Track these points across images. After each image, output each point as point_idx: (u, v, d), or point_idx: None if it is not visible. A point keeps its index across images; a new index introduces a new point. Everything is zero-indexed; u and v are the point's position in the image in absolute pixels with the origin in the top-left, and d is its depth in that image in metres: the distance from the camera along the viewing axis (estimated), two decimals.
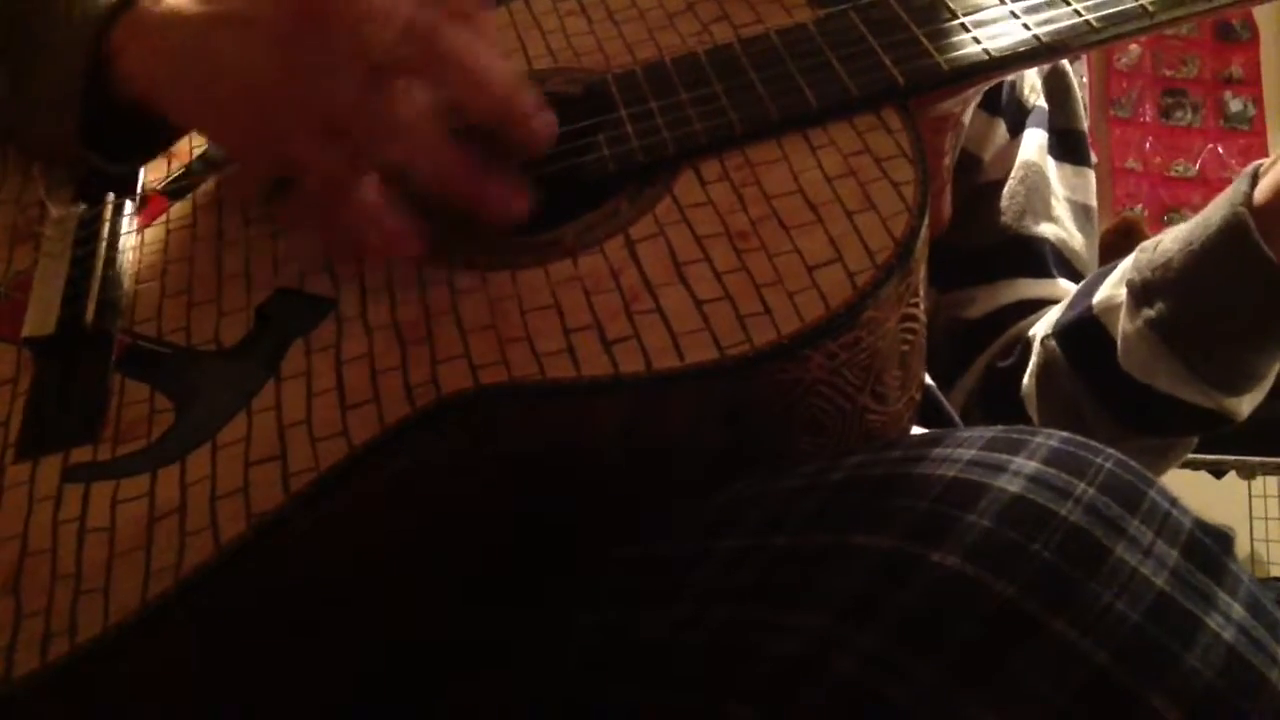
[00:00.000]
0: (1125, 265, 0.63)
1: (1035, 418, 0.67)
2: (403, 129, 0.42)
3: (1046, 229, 0.72)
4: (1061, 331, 0.65)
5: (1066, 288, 0.70)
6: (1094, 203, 0.77)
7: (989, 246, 0.72)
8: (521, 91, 0.44)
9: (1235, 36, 2.78)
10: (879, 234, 0.41)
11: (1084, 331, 0.64)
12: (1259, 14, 2.74)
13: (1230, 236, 0.56)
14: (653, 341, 0.40)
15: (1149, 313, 0.59)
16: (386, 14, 0.42)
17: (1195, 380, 0.59)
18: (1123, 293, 0.61)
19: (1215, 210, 0.57)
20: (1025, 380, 0.67)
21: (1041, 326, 0.67)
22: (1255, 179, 0.56)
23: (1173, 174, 2.69)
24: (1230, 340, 0.58)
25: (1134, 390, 0.61)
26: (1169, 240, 0.60)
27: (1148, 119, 2.72)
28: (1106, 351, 0.62)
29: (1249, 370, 0.59)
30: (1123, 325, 0.61)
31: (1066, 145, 0.76)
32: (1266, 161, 0.56)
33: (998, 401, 0.69)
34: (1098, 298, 0.63)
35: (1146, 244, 0.61)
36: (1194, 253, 0.57)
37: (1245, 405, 0.61)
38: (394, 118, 0.42)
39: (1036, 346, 0.67)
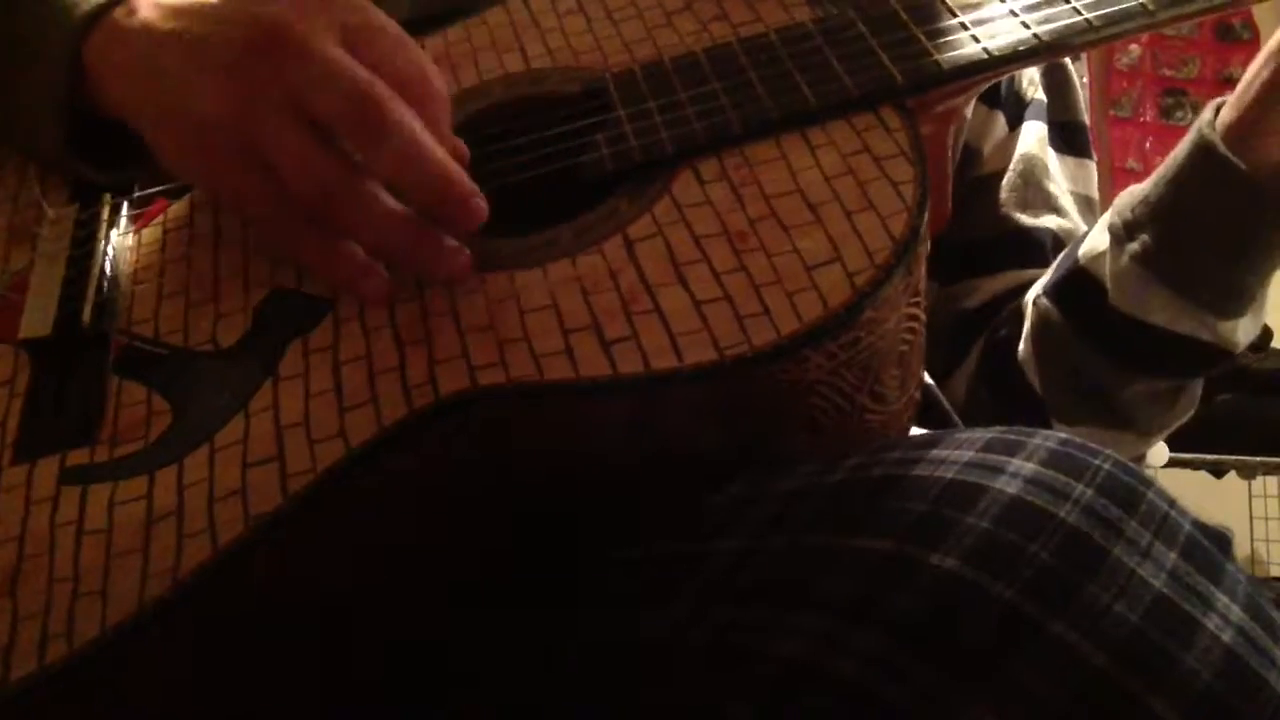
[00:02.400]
0: (1105, 216, 0.64)
1: (1035, 381, 0.67)
2: (332, 184, 0.42)
3: (1049, 220, 0.72)
4: (1052, 288, 0.66)
5: None
6: (1096, 195, 0.77)
7: (988, 239, 0.72)
8: (456, 178, 0.43)
9: (1235, 36, 2.78)
10: (878, 234, 0.41)
11: (1073, 283, 0.65)
12: (1259, 14, 2.73)
13: (1199, 156, 0.58)
14: (651, 342, 0.39)
15: (1133, 247, 0.61)
16: (335, 71, 0.41)
17: (1187, 305, 0.60)
18: (1106, 239, 0.63)
19: (1183, 142, 0.60)
20: (1021, 346, 0.68)
21: (1032, 291, 0.68)
22: (1217, 111, 0.58)
23: None
24: (1213, 257, 0.59)
25: (1129, 328, 0.62)
26: (1144, 184, 0.62)
27: (1148, 119, 2.72)
28: (1098, 296, 0.63)
29: (1237, 287, 0.60)
30: (1109, 266, 0.62)
31: (1067, 137, 0.76)
32: (1229, 95, 0.58)
33: (998, 373, 0.69)
34: (1082, 249, 0.65)
35: (1123, 192, 0.63)
36: (1168, 181, 0.59)
37: (1240, 332, 0.61)
38: (314, 162, 0.41)
39: (1029, 310, 0.67)
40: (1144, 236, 0.60)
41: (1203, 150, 0.58)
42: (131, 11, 0.47)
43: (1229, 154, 0.56)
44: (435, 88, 0.44)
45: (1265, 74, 0.55)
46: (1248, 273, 0.59)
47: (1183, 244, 0.59)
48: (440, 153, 0.42)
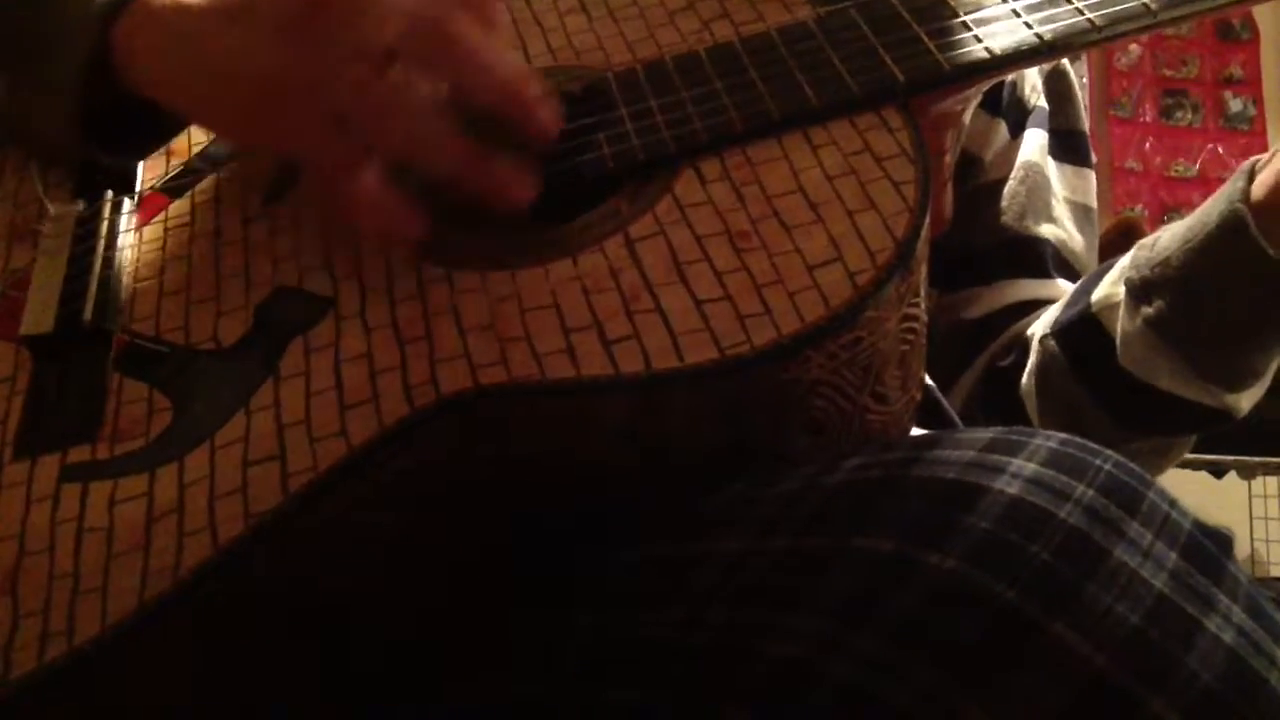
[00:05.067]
0: (1123, 263, 0.63)
1: (1034, 417, 0.67)
2: (406, 115, 0.42)
3: (1046, 229, 0.72)
4: (1060, 331, 0.65)
5: (1065, 288, 0.70)
6: (1094, 203, 0.77)
7: (989, 247, 0.72)
8: (527, 80, 0.44)
9: (1235, 36, 2.78)
10: (880, 234, 0.41)
11: (1083, 330, 0.64)
12: (1259, 14, 2.73)
13: (1228, 233, 0.55)
14: (653, 341, 0.39)
15: (1148, 310, 0.59)
16: (392, 5, 0.42)
17: (1195, 377, 0.59)
18: (1121, 291, 0.61)
19: (1213, 206, 0.57)
20: (1024, 380, 0.67)
21: (1040, 326, 0.67)
22: (1252, 174, 0.56)
23: (1173, 174, 2.69)
24: (1230, 336, 0.58)
25: (1133, 389, 0.61)
26: (1167, 237, 0.60)
27: (1148, 119, 2.72)
28: (1105, 350, 0.62)
29: (1249, 366, 0.59)
30: (1122, 323, 0.61)
31: (1067, 146, 0.76)
32: (1263, 157, 0.56)
33: (997, 401, 0.69)
34: (1096, 296, 0.63)
35: (1144, 241, 0.61)
36: (1192, 249, 0.57)
37: (1245, 401, 0.61)
38: (397, 105, 0.42)
39: (1035, 346, 0.67)
40: (1160, 302, 0.58)
41: (1233, 228, 0.55)
42: None
43: (1259, 237, 0.54)
44: (493, 6, 0.45)
45: None
46: (1262, 353, 0.58)
47: (1199, 319, 0.58)
48: (509, 56, 0.44)
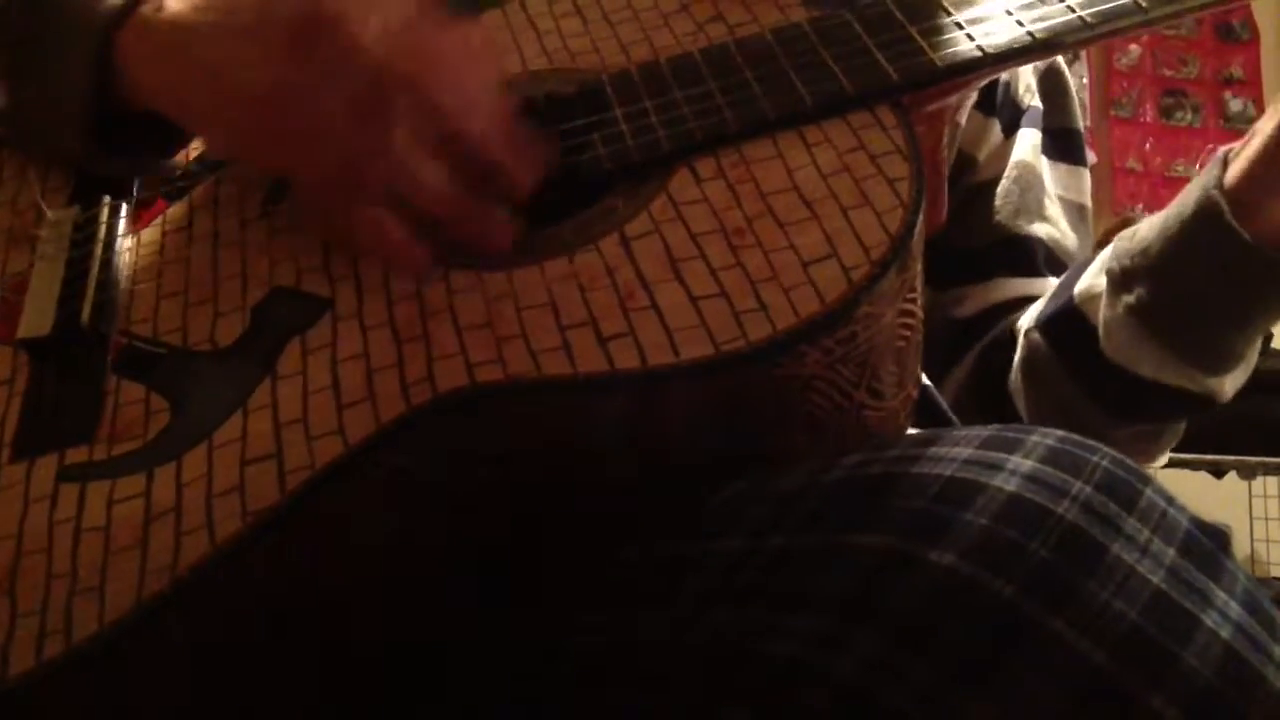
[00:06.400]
0: (1105, 255, 0.63)
1: (1023, 411, 0.67)
2: (390, 149, 0.42)
3: (1039, 228, 0.72)
4: (1044, 323, 0.66)
5: (1054, 285, 0.70)
6: (1088, 202, 0.77)
7: (982, 245, 0.72)
8: (511, 130, 0.44)
9: (1235, 36, 2.78)
10: (874, 230, 0.41)
11: (1066, 321, 0.64)
12: (1259, 14, 2.74)
13: (1204, 219, 0.56)
14: (648, 338, 0.39)
15: (1128, 299, 0.60)
16: (383, 32, 0.42)
17: (1177, 363, 0.60)
18: (1103, 281, 0.62)
19: (1189, 194, 0.58)
20: (1011, 374, 0.67)
21: (1025, 320, 0.68)
22: (1225, 163, 0.57)
23: (1173, 174, 2.69)
24: (1208, 320, 0.59)
25: (1118, 377, 0.62)
26: (1145, 228, 0.61)
27: (1148, 119, 2.72)
28: (1089, 340, 0.62)
29: (1229, 350, 0.59)
30: (1103, 312, 0.62)
31: (1061, 144, 0.76)
32: (1236, 145, 0.57)
33: (986, 396, 0.69)
34: (1079, 288, 0.64)
35: (1125, 232, 0.62)
36: (1170, 238, 0.58)
37: (1228, 385, 0.61)
38: (382, 136, 0.42)
39: (1021, 339, 0.67)
40: (1140, 290, 0.59)
41: (1208, 214, 0.56)
42: (159, 7, 0.47)
43: (1234, 223, 0.55)
44: (483, 40, 0.46)
45: (1269, 127, 0.54)
46: (1241, 336, 0.59)
47: (1179, 304, 0.59)
48: (497, 98, 0.44)
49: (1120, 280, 0.60)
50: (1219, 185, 0.56)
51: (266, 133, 0.44)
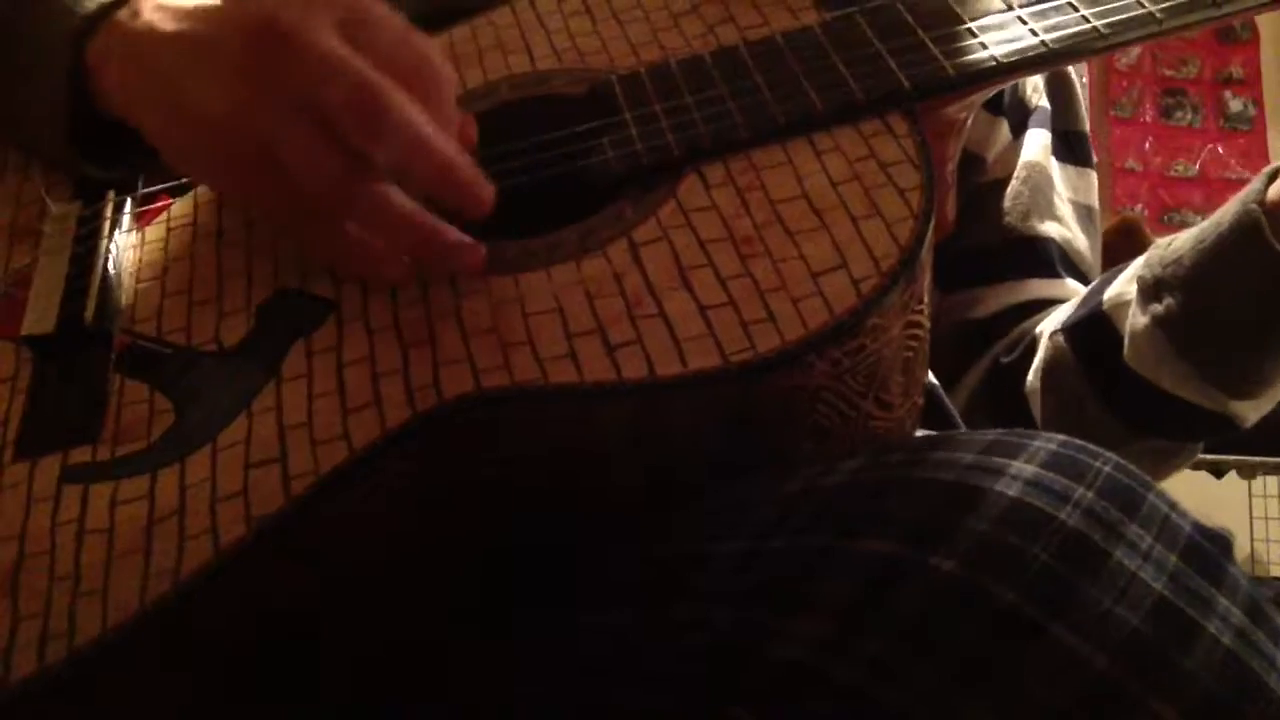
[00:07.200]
0: (1137, 263, 0.63)
1: (1038, 415, 0.67)
2: (340, 180, 0.42)
3: (1051, 228, 0.72)
4: (1070, 327, 0.65)
5: (1075, 288, 0.70)
6: (1096, 204, 0.76)
7: (993, 246, 0.71)
8: (460, 163, 0.43)
9: (1235, 37, 2.78)
10: (884, 240, 0.41)
11: (1093, 327, 0.63)
12: (1259, 15, 2.73)
13: (1242, 233, 0.55)
14: (656, 346, 0.39)
15: (1157, 308, 0.59)
16: (336, 66, 0.41)
17: (1200, 380, 0.59)
18: (1133, 289, 0.61)
19: (1229, 208, 0.57)
20: (1030, 377, 0.67)
21: (1049, 323, 0.67)
22: (1271, 179, 0.56)
23: (1173, 174, 2.69)
24: (1237, 340, 0.58)
25: (1139, 388, 0.61)
26: (1183, 238, 0.60)
27: (1148, 119, 2.71)
28: (1114, 348, 0.62)
29: (1255, 373, 0.59)
30: (1130, 320, 0.61)
31: (1069, 146, 0.75)
32: None
33: (1000, 399, 0.69)
34: (1108, 294, 0.63)
35: (1160, 241, 0.61)
36: (1205, 249, 0.57)
37: (1251, 411, 0.60)
38: (331, 168, 0.42)
39: (1044, 342, 0.66)
40: (1170, 301, 0.58)
41: (1246, 229, 0.55)
42: (135, 14, 0.47)
43: (1273, 240, 0.54)
44: (439, 72, 0.44)
45: None
46: (1272, 365, 0.58)
47: (1209, 320, 0.57)
48: (443, 140, 0.42)
49: (1150, 289, 0.60)
50: (1260, 200, 0.55)
51: (213, 151, 0.44)
